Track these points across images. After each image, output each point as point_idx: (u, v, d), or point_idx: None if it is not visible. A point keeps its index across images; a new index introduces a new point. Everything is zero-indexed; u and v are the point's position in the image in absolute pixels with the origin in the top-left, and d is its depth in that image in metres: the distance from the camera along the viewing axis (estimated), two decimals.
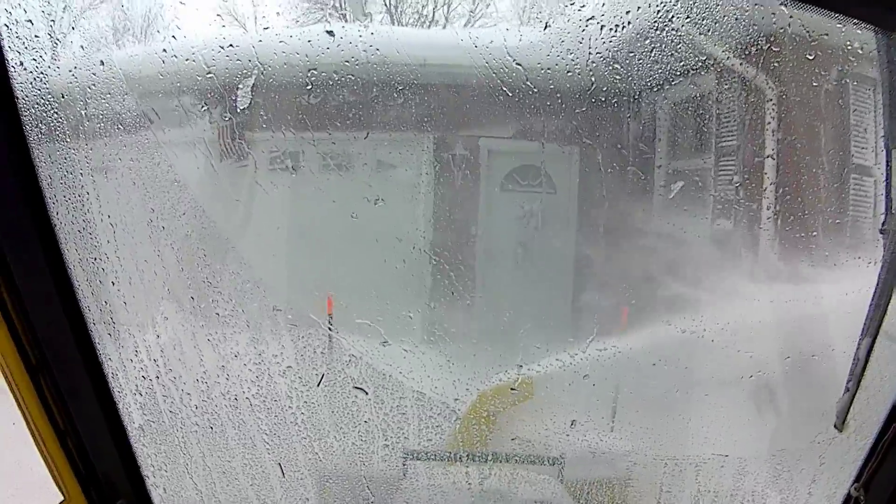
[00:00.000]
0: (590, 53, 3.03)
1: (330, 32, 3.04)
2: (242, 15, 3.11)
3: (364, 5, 2.99)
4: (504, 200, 4.24)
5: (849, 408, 2.72)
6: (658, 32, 2.98)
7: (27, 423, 2.43)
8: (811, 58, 3.00)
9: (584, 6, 3.01)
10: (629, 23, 2.97)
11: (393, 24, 4.23)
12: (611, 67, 3.13)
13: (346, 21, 3.19)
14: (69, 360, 2.47)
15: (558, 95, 3.24)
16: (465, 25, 4.25)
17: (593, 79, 3.13)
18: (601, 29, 2.97)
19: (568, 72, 3.10)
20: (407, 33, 4.09)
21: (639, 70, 3.16)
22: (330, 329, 3.48)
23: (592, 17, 2.97)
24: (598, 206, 3.66)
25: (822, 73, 3.13)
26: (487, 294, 3.93)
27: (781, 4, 2.86)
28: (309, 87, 3.22)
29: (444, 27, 4.37)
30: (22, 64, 2.36)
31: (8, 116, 2.14)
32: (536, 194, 4.10)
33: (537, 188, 4.09)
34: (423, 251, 3.57)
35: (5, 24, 2.30)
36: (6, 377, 2.32)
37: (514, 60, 3.10)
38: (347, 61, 3.16)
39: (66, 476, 2.56)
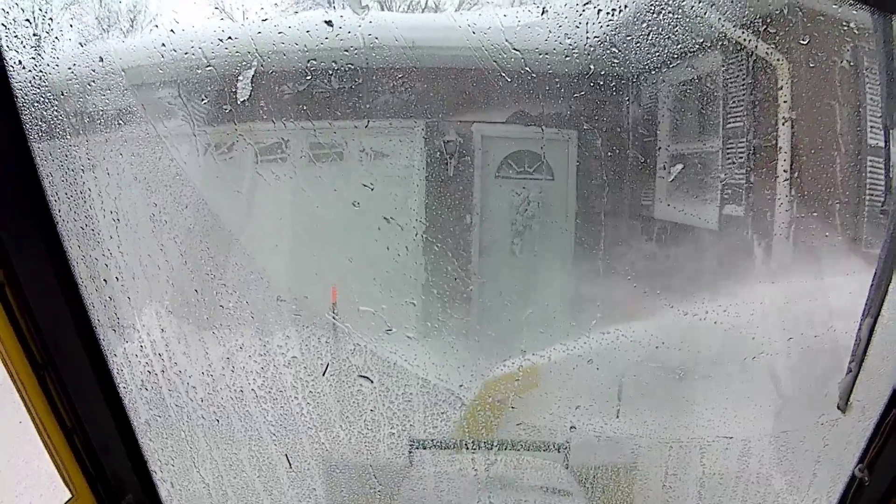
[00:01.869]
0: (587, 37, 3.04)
1: (328, 22, 3.03)
2: (240, 7, 3.09)
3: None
4: (505, 186, 4.23)
5: (851, 389, 2.72)
6: (656, 15, 2.98)
7: (34, 422, 2.43)
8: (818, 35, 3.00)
9: None
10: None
11: (383, 10, 4.23)
12: (609, 51, 3.12)
13: (340, 8, 3.17)
14: (74, 358, 2.46)
15: (557, 80, 3.24)
16: (458, 9, 4.24)
17: (592, 62, 3.14)
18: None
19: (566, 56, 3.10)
20: (402, 17, 4.10)
21: (637, 53, 3.16)
22: (334, 319, 3.48)
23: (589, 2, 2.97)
24: (599, 191, 3.65)
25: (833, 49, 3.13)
26: (490, 280, 3.94)
27: None
28: (308, 76, 3.23)
29: (437, 11, 4.37)
30: (21, 63, 2.35)
31: (8, 115, 2.13)
32: (536, 180, 4.10)
33: (537, 174, 4.08)
34: (424, 238, 3.58)
35: (3, 24, 2.30)
36: (12, 376, 2.32)
37: (512, 46, 3.10)
38: (346, 50, 3.16)
39: (73, 473, 2.56)
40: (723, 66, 3.46)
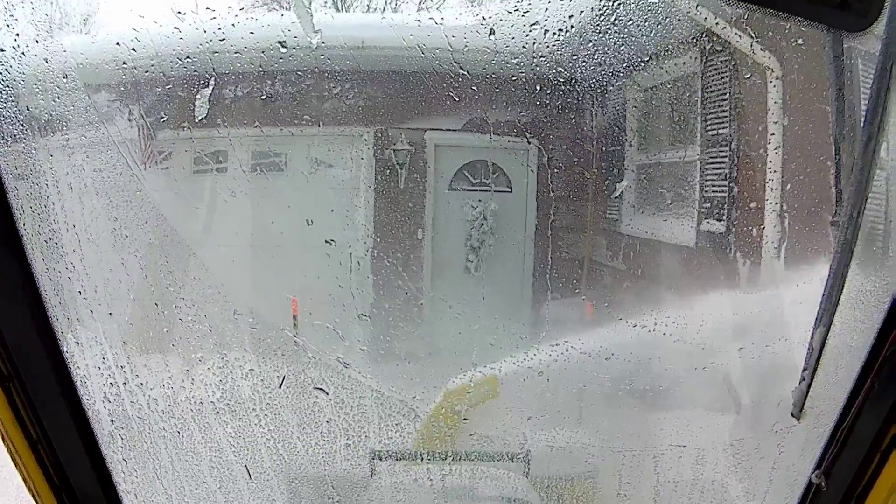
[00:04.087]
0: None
1: (282, 44, 3.19)
2: (199, 25, 3.22)
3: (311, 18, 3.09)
4: (459, 199, 4.32)
5: (805, 396, 2.86)
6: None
7: (0, 433, 2.60)
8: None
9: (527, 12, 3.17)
10: None
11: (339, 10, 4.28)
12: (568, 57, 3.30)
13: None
14: (39, 370, 2.60)
15: (513, 89, 3.38)
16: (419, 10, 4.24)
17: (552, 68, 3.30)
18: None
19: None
20: (350, 17, 4.16)
21: (596, 59, 3.29)
22: (290, 331, 3.64)
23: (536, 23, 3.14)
24: (558, 204, 3.75)
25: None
26: (442, 295, 4.02)
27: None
28: (263, 95, 3.35)
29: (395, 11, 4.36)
30: None
31: None
32: (493, 192, 4.22)
33: (494, 186, 4.19)
34: (374, 254, 3.69)
35: None
36: None
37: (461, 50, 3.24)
38: (300, 71, 3.30)
39: (39, 484, 2.70)
40: (684, 71, 3.59)
